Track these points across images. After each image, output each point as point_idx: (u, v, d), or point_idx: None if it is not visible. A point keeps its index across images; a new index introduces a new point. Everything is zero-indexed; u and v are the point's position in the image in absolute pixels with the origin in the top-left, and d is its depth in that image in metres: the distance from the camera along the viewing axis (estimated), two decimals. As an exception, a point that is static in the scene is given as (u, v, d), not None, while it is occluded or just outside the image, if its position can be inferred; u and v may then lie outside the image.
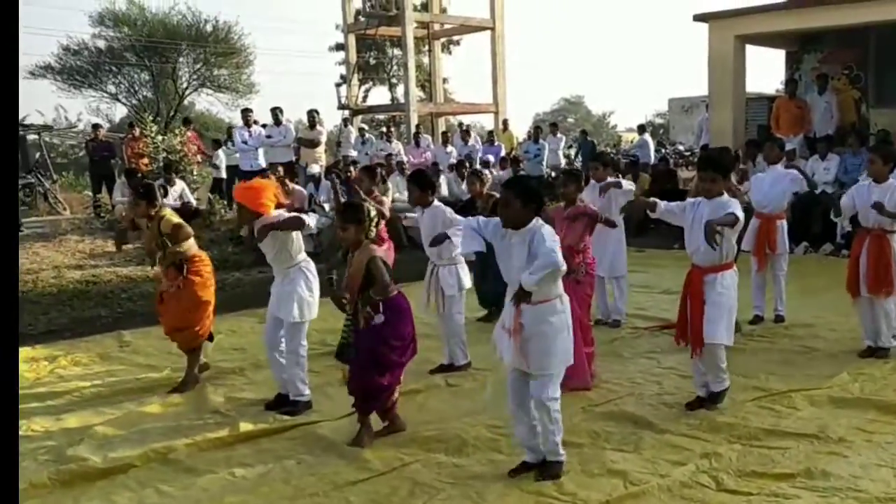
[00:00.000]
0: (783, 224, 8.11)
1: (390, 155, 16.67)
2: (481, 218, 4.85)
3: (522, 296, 4.47)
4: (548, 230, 4.52)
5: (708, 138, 14.68)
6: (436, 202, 6.82)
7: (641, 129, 21.75)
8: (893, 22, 12.47)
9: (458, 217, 6.62)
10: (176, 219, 6.55)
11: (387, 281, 5.15)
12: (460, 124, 22.79)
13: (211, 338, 6.93)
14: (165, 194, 12.14)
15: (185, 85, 36.44)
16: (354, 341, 5.33)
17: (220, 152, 18.33)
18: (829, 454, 4.91)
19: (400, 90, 35.13)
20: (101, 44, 34.95)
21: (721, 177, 5.56)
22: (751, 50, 14.17)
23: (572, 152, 22.67)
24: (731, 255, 5.55)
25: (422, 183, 6.79)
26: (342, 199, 5.38)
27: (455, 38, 34.84)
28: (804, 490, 4.46)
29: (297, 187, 13.02)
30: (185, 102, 37.50)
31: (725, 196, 5.55)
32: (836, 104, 13.90)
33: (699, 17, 13.80)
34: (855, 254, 6.86)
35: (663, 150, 22.22)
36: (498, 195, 8.31)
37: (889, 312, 6.81)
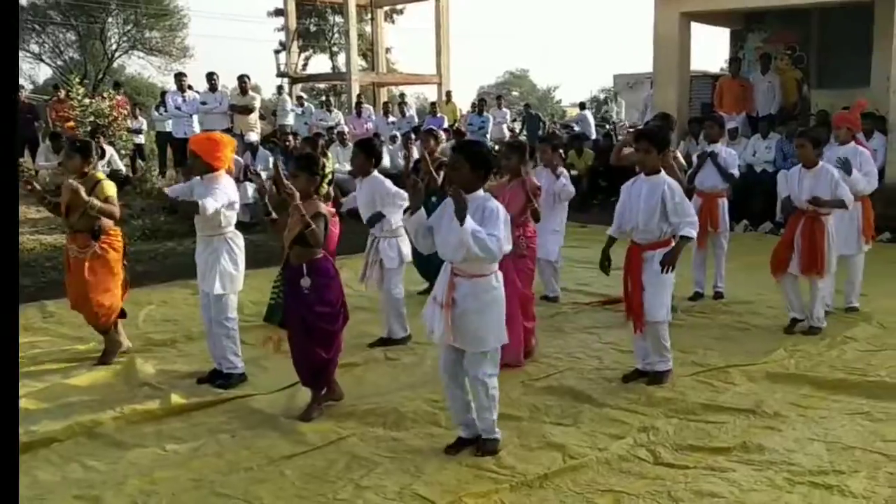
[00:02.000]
0: (724, 202, 8.19)
1: (332, 127, 16.38)
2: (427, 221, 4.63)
3: (460, 206, 4.25)
4: (503, 212, 4.42)
5: (652, 115, 14.72)
6: (375, 173, 6.69)
7: (582, 105, 22.66)
8: (835, 3, 12.62)
9: (397, 190, 6.53)
10: (112, 191, 6.28)
11: (321, 237, 5.05)
12: (401, 95, 22.48)
13: (123, 314, 6.66)
14: (102, 155, 11.73)
15: (114, 47, 35.42)
16: (284, 310, 5.21)
17: (141, 118, 17.84)
18: (764, 428, 4.97)
19: (341, 59, 34.62)
20: (24, 0, 33.74)
21: (656, 149, 5.55)
22: (696, 28, 14.23)
23: (517, 126, 22.61)
24: (670, 232, 5.57)
25: (369, 150, 6.67)
26: (282, 172, 5.24)
27: (399, 6, 34.27)
28: (740, 464, 4.50)
29: (235, 157, 12.70)
30: (115, 65, 36.46)
31: (662, 174, 5.57)
32: (778, 84, 14.05)
33: (645, -6, 13.82)
34: (789, 234, 6.94)
35: (608, 126, 22.32)
36: (444, 159, 8.26)
37: (823, 293, 6.93)
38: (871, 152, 11.35)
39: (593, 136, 18.82)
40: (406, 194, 6.36)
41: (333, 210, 5.37)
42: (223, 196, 5.68)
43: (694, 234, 5.49)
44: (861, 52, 13.71)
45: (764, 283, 8.27)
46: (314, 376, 5.27)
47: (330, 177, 5.38)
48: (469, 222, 4.23)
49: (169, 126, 16.18)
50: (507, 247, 4.44)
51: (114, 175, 12.45)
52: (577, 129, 19.18)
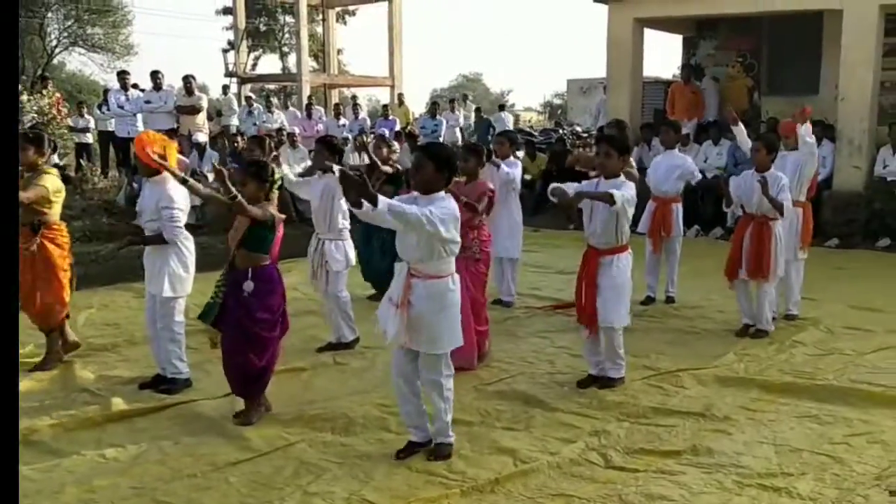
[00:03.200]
0: (678, 207, 8.26)
1: (281, 129, 16.16)
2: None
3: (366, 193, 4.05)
4: (456, 212, 4.37)
5: (605, 120, 14.82)
6: (336, 168, 6.61)
7: (501, 107, 24.09)
8: (786, 13, 12.81)
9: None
10: (49, 183, 6.08)
11: (265, 214, 4.95)
12: (353, 97, 22.35)
13: (66, 316, 6.47)
14: (54, 150, 11.38)
15: (54, 42, 34.58)
16: (221, 312, 5.13)
17: (88, 116, 17.45)
18: (714, 432, 4.99)
19: (292, 59, 34.14)
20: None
21: (616, 153, 5.56)
22: (649, 34, 14.34)
23: (477, 130, 22.69)
24: (627, 237, 5.61)
25: (331, 147, 6.66)
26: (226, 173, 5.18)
27: (351, 8, 34.02)
28: (690, 466, 4.51)
29: (181, 157, 12.48)
30: (55, 61, 35.60)
31: (622, 177, 5.58)
32: (714, 90, 14.34)
33: (599, -1, 13.89)
34: (738, 238, 7.02)
35: (561, 131, 22.41)
36: (398, 166, 8.21)
37: (769, 297, 7.00)
38: (821, 159, 11.62)
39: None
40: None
41: (283, 216, 5.26)
42: (178, 213, 5.58)
43: (618, 196, 5.32)
44: (810, 60, 13.94)
45: (714, 288, 8.36)
46: (246, 385, 5.15)
47: (279, 182, 5.27)
48: (382, 200, 4.03)
49: (112, 125, 15.80)
50: (454, 247, 4.40)
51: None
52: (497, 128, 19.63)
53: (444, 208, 4.30)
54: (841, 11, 11.74)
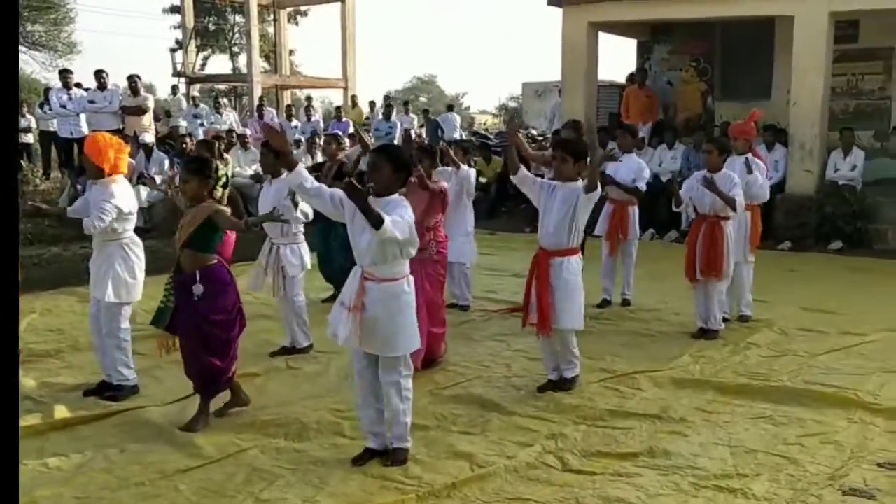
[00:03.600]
0: (635, 210, 8.28)
1: (231, 130, 15.93)
2: (341, 194, 4.48)
3: (356, 193, 4.11)
4: (411, 216, 4.34)
5: (560, 123, 14.87)
6: (286, 174, 6.47)
7: (450, 107, 24.19)
8: (738, 18, 12.97)
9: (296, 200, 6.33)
10: None
11: (237, 224, 4.94)
12: (308, 98, 22.16)
13: None
14: None
15: (-9, 39, 33.78)
16: (174, 315, 5.04)
17: (29, 115, 17.06)
18: (670, 433, 4.99)
19: (242, 60, 33.67)
20: None
21: (572, 158, 5.55)
22: (603, 38, 14.42)
23: (423, 131, 22.68)
24: (579, 240, 5.61)
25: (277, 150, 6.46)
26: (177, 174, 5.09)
27: (303, 8, 33.72)
28: (646, 469, 4.51)
29: (129, 160, 12.23)
30: (-7, 58, 34.76)
31: (578, 183, 5.57)
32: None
33: (553, 2, 13.88)
34: (692, 239, 7.08)
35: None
36: (344, 160, 8.12)
37: (720, 296, 7.06)
38: (773, 163, 11.80)
39: (456, 137, 19.27)
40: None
41: (229, 209, 5.14)
42: (111, 209, 5.39)
43: (597, 181, 5.43)
44: (763, 65, 14.14)
45: (670, 291, 8.41)
46: (206, 385, 5.07)
47: (224, 180, 5.16)
48: (388, 220, 4.14)
49: (54, 125, 15.38)
50: (412, 250, 4.38)
51: None
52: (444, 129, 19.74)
53: (405, 215, 4.28)
54: (792, 18, 11.92)
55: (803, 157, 12.07)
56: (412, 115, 21.19)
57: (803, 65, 11.86)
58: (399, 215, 4.24)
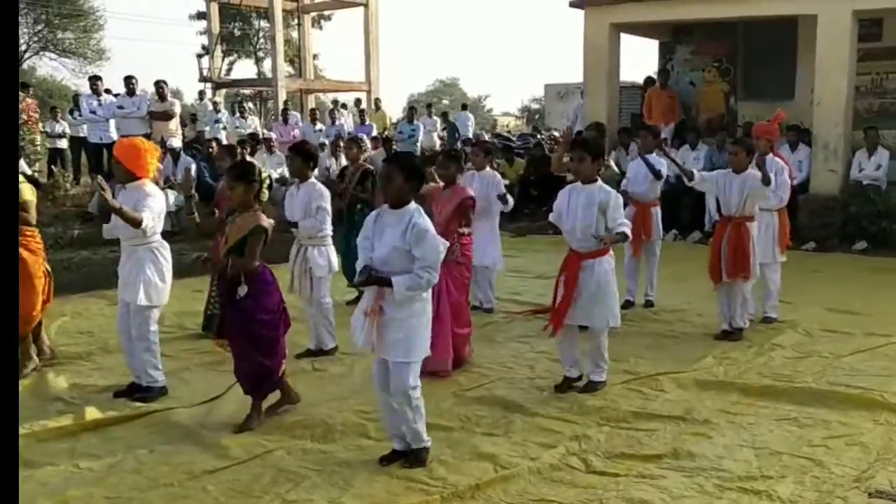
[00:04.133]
0: (657, 211, 8.28)
1: (254, 134, 16.06)
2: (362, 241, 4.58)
3: (381, 283, 4.33)
4: (430, 227, 4.38)
5: (582, 125, 14.87)
6: (313, 178, 6.57)
7: (464, 106, 24.53)
8: (760, 18, 12.90)
9: (325, 205, 6.38)
10: (29, 195, 6.00)
11: (254, 257, 4.99)
12: (334, 101, 22.25)
13: (39, 324, 6.36)
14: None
15: (24, 47, 34.24)
16: (221, 320, 5.14)
17: (62, 121, 17.28)
18: (694, 435, 4.99)
19: (267, 64, 34.03)
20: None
21: (590, 157, 5.57)
22: (625, 39, 14.41)
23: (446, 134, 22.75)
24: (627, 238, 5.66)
25: (304, 154, 6.56)
26: (205, 178, 5.15)
27: (326, 12, 33.99)
28: (670, 470, 4.51)
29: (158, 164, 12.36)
30: (25, 66, 35.26)
31: (599, 183, 5.60)
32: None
33: (575, 4, 13.88)
34: (717, 241, 7.06)
35: (539, 136, 22.46)
36: (369, 167, 8.19)
37: (745, 295, 7.04)
38: (797, 163, 11.74)
39: (470, 136, 19.31)
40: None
41: (272, 221, 5.20)
42: (148, 212, 5.47)
43: (628, 232, 5.54)
44: (786, 65, 14.04)
45: (693, 292, 8.39)
46: (257, 385, 5.16)
47: (269, 181, 5.22)
48: (397, 283, 4.27)
49: (84, 131, 15.62)
50: (440, 253, 4.40)
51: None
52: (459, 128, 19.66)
53: (421, 229, 4.32)
54: (815, 17, 11.84)
55: (827, 157, 11.99)
56: (435, 117, 21.22)
57: (827, 64, 11.78)
58: (423, 250, 4.28)
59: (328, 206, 6.47)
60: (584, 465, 4.59)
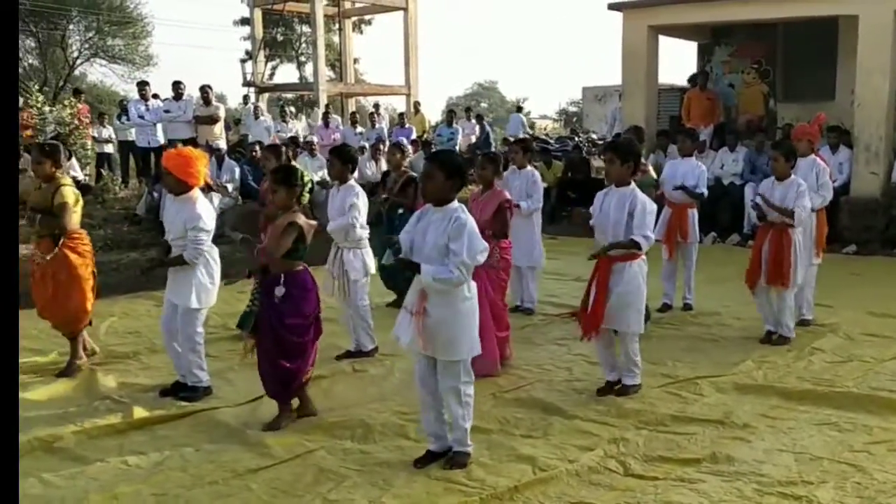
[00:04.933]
0: (694, 213, 8.23)
1: (294, 137, 16.25)
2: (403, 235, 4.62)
3: (410, 266, 4.37)
4: (472, 224, 4.39)
5: (621, 128, 14.84)
6: (352, 181, 6.65)
7: (518, 109, 24.78)
8: (800, 18, 12.79)
9: (358, 202, 6.46)
10: (70, 199, 6.15)
11: (281, 248, 5.02)
12: (375, 105, 22.38)
13: (89, 322, 6.52)
14: (70, 157, 11.65)
15: (75, 54, 34.82)
16: (257, 316, 5.21)
17: (109, 126, 17.61)
18: (733, 439, 4.97)
19: (308, 68, 34.35)
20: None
21: (619, 159, 5.55)
22: (663, 41, 14.35)
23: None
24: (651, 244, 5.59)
25: (344, 157, 6.63)
26: (248, 181, 5.25)
27: (367, 17, 34.27)
28: (709, 475, 4.50)
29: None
30: (76, 72, 35.89)
31: (631, 186, 5.58)
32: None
33: (614, 7, 13.87)
34: (758, 246, 7.01)
35: (576, 139, 22.40)
36: (413, 174, 8.26)
37: (789, 303, 6.98)
38: (837, 165, 11.62)
39: (521, 135, 19.24)
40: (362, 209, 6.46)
41: (314, 222, 5.28)
42: (203, 236, 5.59)
43: (644, 244, 5.44)
44: (826, 66, 13.91)
45: (732, 295, 8.33)
46: (279, 388, 5.21)
47: (310, 185, 5.30)
48: (425, 270, 4.29)
49: (132, 135, 15.95)
50: (480, 258, 4.40)
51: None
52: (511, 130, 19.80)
53: (463, 225, 4.32)
54: (856, 17, 11.71)
55: (868, 160, 11.85)
56: (473, 120, 21.26)
57: (868, 65, 11.64)
58: (459, 245, 4.29)
59: (361, 204, 6.51)
60: (623, 468, 4.59)
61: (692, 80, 14.98)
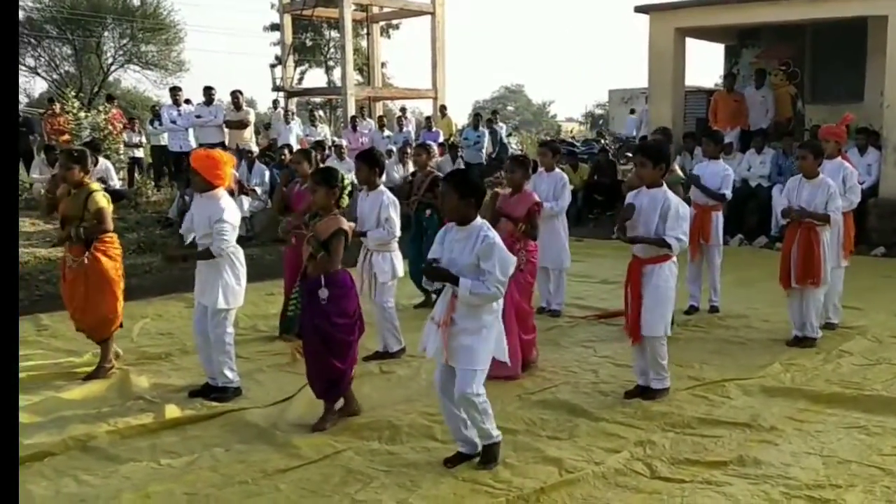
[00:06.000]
0: (719, 216, 8.20)
1: (321, 141, 16.37)
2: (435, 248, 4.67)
3: (448, 278, 4.41)
4: (500, 242, 4.43)
5: (647, 130, 14.79)
6: (381, 186, 6.70)
7: (632, 111, 24.44)
8: (829, 19, 12.69)
9: (393, 214, 6.53)
10: (104, 202, 6.26)
11: (338, 257, 5.12)
12: (402, 109, 22.46)
13: (120, 325, 6.61)
14: (96, 163, 11.86)
15: (110, 60, 35.44)
16: (301, 319, 5.27)
17: (140, 130, 17.84)
18: (760, 442, 4.96)
19: (337, 73, 34.60)
20: (20, 14, 33.72)
21: (651, 161, 5.54)
22: (690, 43, 14.30)
23: (512, 140, 22.70)
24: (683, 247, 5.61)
25: (371, 161, 6.66)
26: (278, 185, 5.31)
27: (394, 21, 34.50)
28: (736, 477, 4.49)
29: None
30: (111, 79, 36.49)
31: (664, 188, 5.57)
32: (772, 99, 14.13)
33: (640, 9, 13.85)
34: (787, 246, 6.98)
35: (603, 141, 22.35)
36: (438, 173, 8.31)
37: (817, 303, 6.95)
38: (866, 167, 11.52)
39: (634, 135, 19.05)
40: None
41: (353, 224, 5.35)
42: (228, 228, 5.67)
43: (675, 246, 5.42)
44: (855, 67, 13.78)
45: (758, 298, 8.30)
46: (328, 388, 5.27)
47: (350, 188, 5.35)
48: (463, 283, 4.32)
49: (164, 140, 16.18)
50: (510, 271, 4.44)
51: (109, 191, 12.46)
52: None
53: (490, 242, 4.37)
54: (886, 18, 11.61)
55: (898, 161, 11.73)
56: (501, 124, 21.27)
57: (897, 66, 11.53)
58: (491, 264, 4.33)
59: (396, 215, 6.59)
60: (649, 470, 4.59)
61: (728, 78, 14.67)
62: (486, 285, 4.33)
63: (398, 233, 6.61)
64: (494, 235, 4.45)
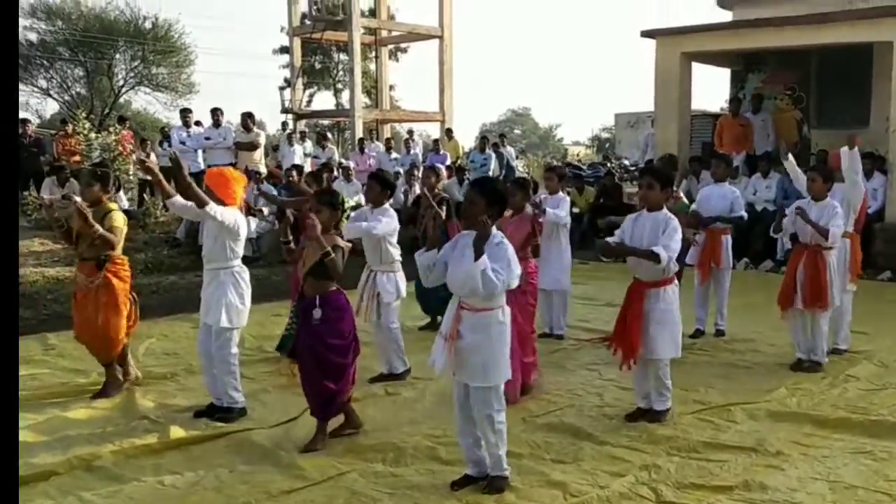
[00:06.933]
0: (728, 239, 8.22)
1: (327, 163, 16.43)
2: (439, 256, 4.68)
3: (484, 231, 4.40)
4: (511, 249, 4.46)
5: (653, 154, 14.84)
6: (388, 206, 6.74)
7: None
8: (834, 45, 12.75)
9: (386, 223, 6.53)
10: (120, 222, 6.32)
11: (340, 270, 5.14)
12: (410, 132, 22.57)
13: (125, 346, 6.61)
14: (119, 188, 11.99)
15: (121, 82, 35.68)
16: (296, 339, 5.29)
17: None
18: (766, 467, 4.94)
19: (345, 95, 34.83)
20: (33, 36, 34.10)
21: (659, 185, 5.57)
22: (696, 68, 14.37)
23: (519, 164, 22.74)
24: (674, 269, 5.58)
25: (384, 183, 6.72)
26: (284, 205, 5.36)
27: (403, 45, 34.78)
28: (742, 502, 4.48)
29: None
30: (122, 100, 36.71)
31: (665, 211, 5.59)
32: (771, 123, 14.20)
33: (646, 34, 13.93)
34: (792, 268, 6.98)
35: (609, 165, 22.41)
36: (446, 195, 8.33)
37: (824, 328, 6.93)
38: (872, 191, 11.51)
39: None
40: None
41: (350, 244, 5.39)
42: (241, 231, 5.80)
43: (663, 255, 5.33)
44: (860, 92, 13.83)
45: (765, 321, 8.28)
46: (322, 407, 5.29)
47: (349, 211, 5.44)
48: (484, 258, 4.31)
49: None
50: (515, 282, 4.46)
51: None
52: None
53: (503, 248, 4.40)
54: (891, 44, 11.66)
55: (903, 186, 11.74)
56: (509, 147, 21.33)
57: (903, 91, 11.56)
58: (502, 265, 4.36)
59: (387, 219, 6.57)
60: (654, 494, 4.57)
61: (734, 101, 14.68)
62: (495, 275, 4.32)
63: (383, 232, 6.53)
64: (509, 244, 4.48)
